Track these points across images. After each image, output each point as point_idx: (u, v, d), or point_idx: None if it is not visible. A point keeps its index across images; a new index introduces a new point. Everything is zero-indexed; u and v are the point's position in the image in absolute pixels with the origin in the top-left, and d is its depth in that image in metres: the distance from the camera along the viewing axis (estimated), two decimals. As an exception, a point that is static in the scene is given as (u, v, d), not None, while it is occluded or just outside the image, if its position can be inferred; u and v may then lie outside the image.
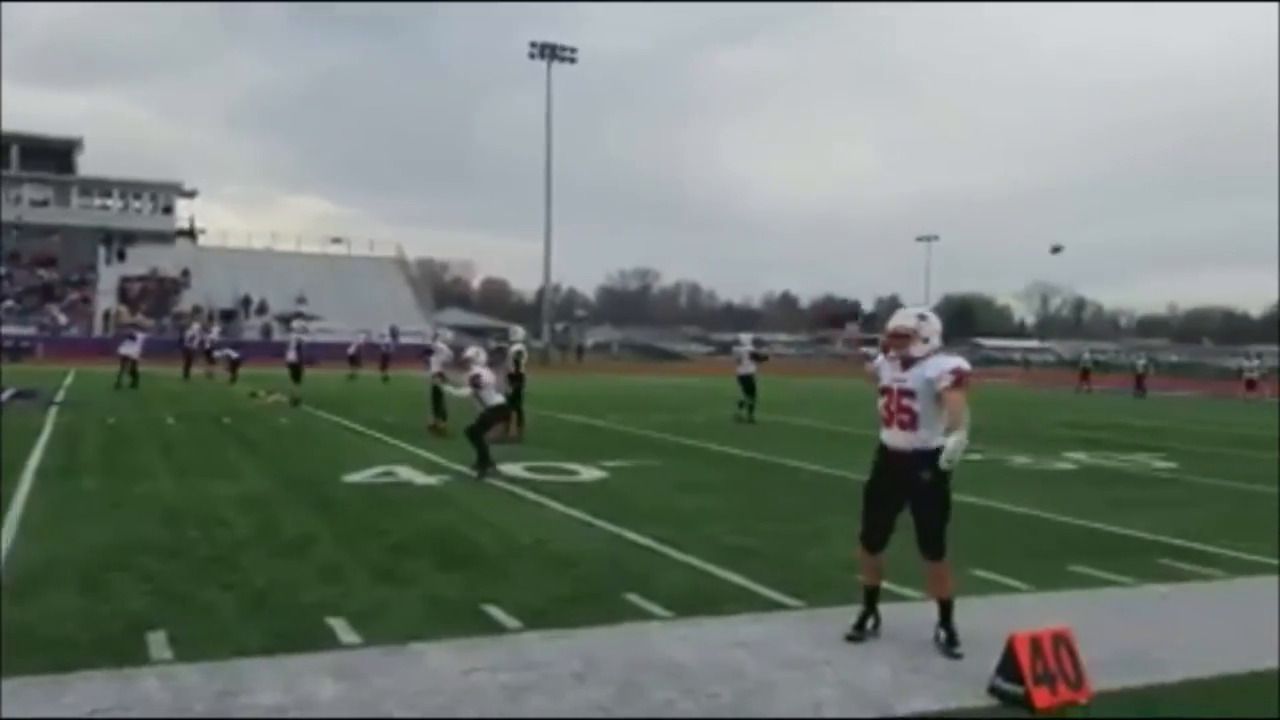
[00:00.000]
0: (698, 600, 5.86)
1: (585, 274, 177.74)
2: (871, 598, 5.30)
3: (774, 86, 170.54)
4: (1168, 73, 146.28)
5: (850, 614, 5.40)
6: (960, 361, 5.11)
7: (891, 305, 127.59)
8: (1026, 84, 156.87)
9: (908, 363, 5.15)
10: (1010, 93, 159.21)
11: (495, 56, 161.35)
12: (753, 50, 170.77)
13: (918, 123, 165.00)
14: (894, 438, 5.16)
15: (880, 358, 5.33)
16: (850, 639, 5.15)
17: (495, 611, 5.51)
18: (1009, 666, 4.28)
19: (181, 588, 5.91)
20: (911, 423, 5.08)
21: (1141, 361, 39.61)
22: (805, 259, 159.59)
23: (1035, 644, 4.27)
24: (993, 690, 4.33)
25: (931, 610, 5.26)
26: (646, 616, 5.52)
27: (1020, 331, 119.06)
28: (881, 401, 5.22)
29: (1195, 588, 6.61)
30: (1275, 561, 7.36)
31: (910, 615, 5.65)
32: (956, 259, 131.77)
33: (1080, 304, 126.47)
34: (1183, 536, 8.30)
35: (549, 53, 57.84)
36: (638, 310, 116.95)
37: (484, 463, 11.03)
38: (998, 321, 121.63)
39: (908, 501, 5.16)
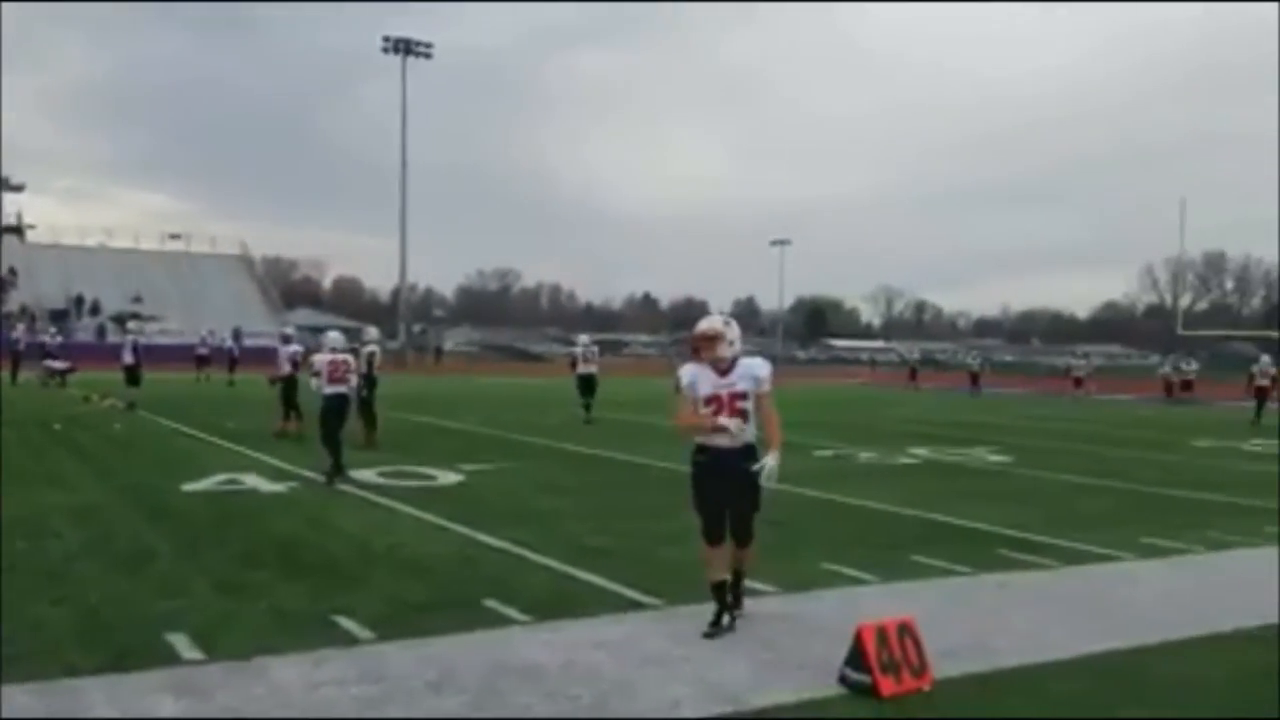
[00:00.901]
0: (557, 603, 5.83)
1: (444, 274, 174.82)
2: (721, 591, 5.46)
3: (633, 87, 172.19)
4: (996, 90, 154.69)
5: (708, 610, 5.53)
6: (768, 363, 5.61)
7: (748, 307, 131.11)
8: (874, 92, 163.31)
9: (723, 369, 5.46)
10: (860, 101, 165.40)
11: (347, 49, 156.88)
12: (611, 51, 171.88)
13: (773, 127, 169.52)
14: (724, 440, 5.41)
15: (691, 371, 5.52)
16: (708, 636, 5.25)
17: (346, 622, 5.35)
18: (857, 656, 4.43)
19: (9, 604, 5.50)
20: (745, 420, 5.44)
21: (976, 361, 41.75)
22: (665, 260, 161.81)
23: (881, 634, 4.44)
24: (842, 680, 4.47)
25: (786, 603, 5.57)
26: (505, 621, 5.46)
27: (867, 333, 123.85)
28: (709, 409, 5.43)
29: (1028, 576, 7.00)
30: (1101, 550, 7.88)
31: (766, 609, 5.79)
32: (808, 262, 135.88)
33: (921, 306, 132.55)
34: (1017, 527, 8.78)
35: (403, 47, 56.65)
36: (498, 311, 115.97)
37: (337, 468, 10.69)
38: (847, 323, 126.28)
39: (733, 493, 5.44)
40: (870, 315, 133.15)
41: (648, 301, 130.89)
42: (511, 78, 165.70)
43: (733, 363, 5.48)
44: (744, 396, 5.44)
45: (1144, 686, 4.72)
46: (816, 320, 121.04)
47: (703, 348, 5.51)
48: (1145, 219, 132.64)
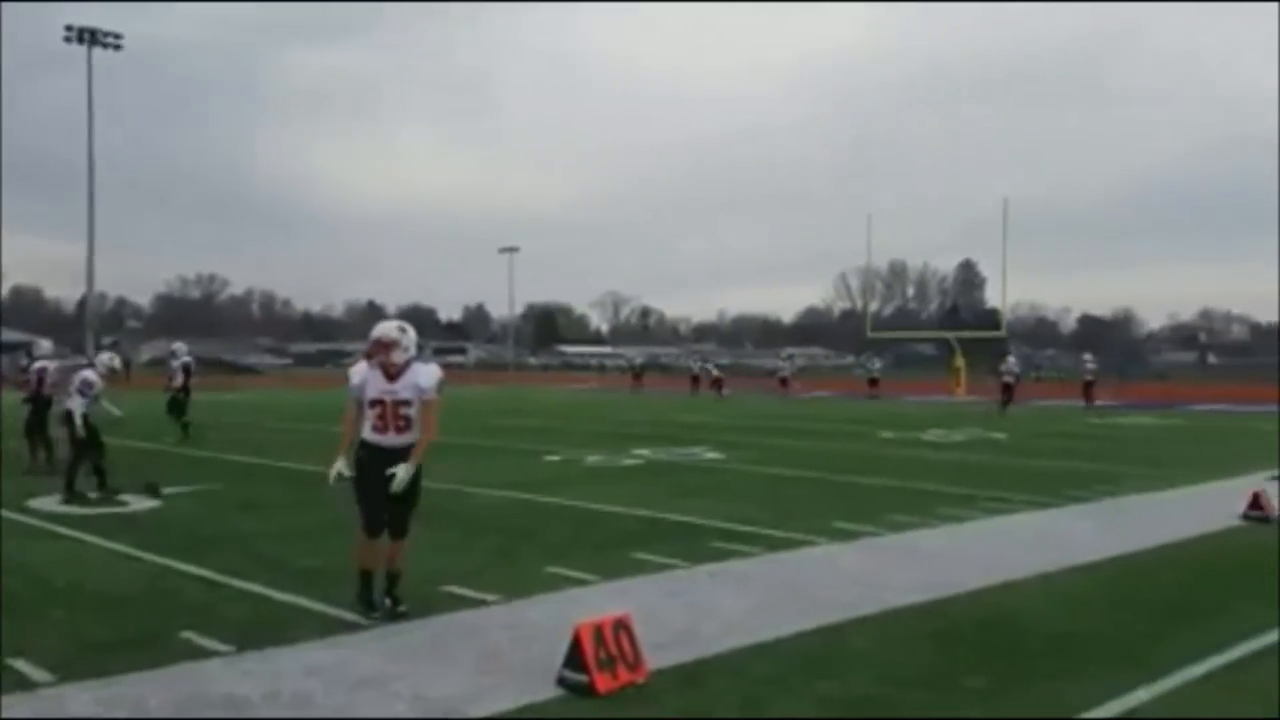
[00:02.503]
0: (263, 630, 5.49)
1: (139, 282, 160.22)
2: (369, 580, 5.79)
3: (357, 87, 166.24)
4: (714, 105, 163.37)
5: (429, 625, 5.49)
6: (439, 371, 5.85)
7: (479, 314, 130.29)
8: (598, 101, 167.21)
9: (393, 374, 5.70)
10: (584, 109, 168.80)
11: (23, 38, 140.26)
12: (334, 49, 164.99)
13: (501, 132, 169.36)
14: (389, 440, 5.72)
15: (361, 372, 5.79)
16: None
17: (22, 665, 4.80)
18: (575, 656, 4.49)
19: None
20: (407, 426, 5.73)
21: (696, 365, 43.81)
22: (391, 266, 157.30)
23: (598, 632, 4.53)
24: (561, 682, 4.52)
25: (509, 611, 5.63)
26: (204, 654, 5.08)
27: (597, 338, 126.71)
28: (375, 411, 5.71)
29: (737, 565, 7.41)
30: (801, 537, 8.48)
31: (488, 619, 5.77)
32: (538, 269, 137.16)
33: (646, 312, 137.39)
34: (728, 519, 9.28)
35: (88, 37, 51.51)
36: (202, 321, 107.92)
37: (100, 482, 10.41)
38: (577, 329, 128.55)
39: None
40: (599, 321, 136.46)
41: (372, 309, 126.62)
42: (219, 74, 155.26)
43: (403, 369, 5.70)
44: (408, 403, 5.68)
45: (835, 661, 5.11)
46: (547, 326, 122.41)
47: (376, 352, 5.71)
48: (840, 232, 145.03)
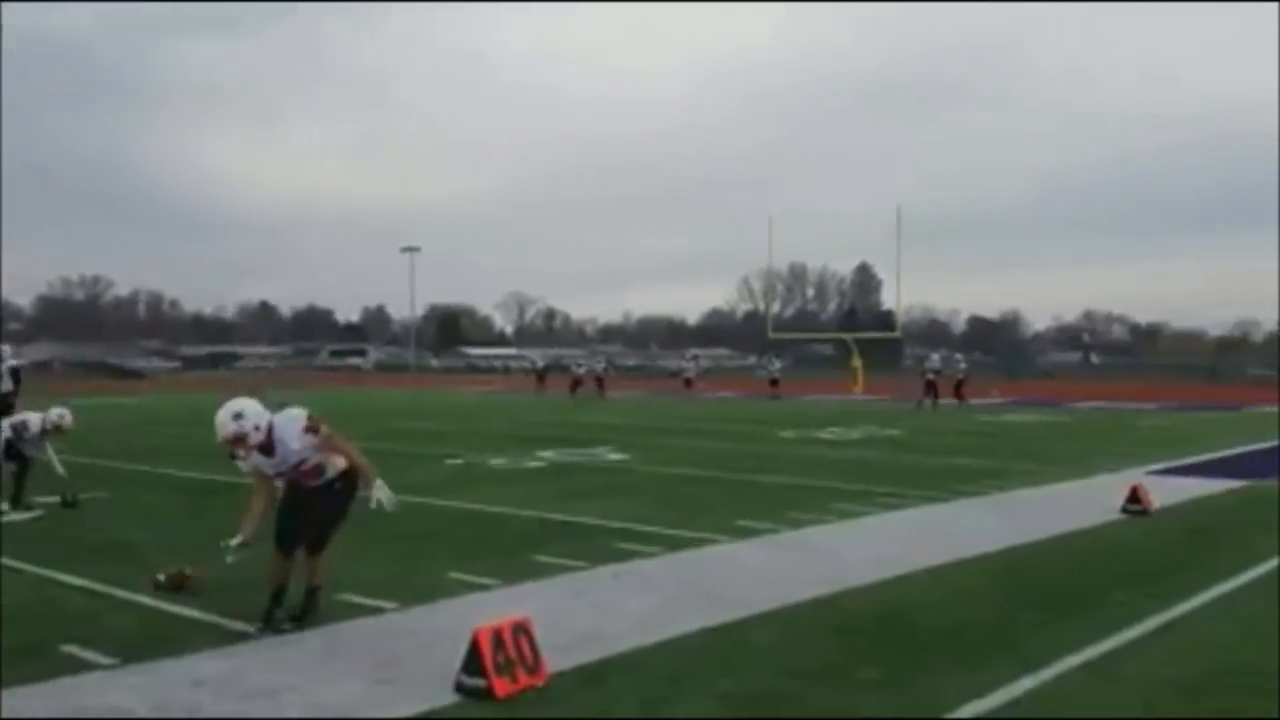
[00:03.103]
0: (150, 642, 5.29)
1: (19, 282, 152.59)
2: (279, 596, 5.63)
3: (250, 82, 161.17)
4: (617, 106, 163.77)
5: (324, 633, 5.38)
6: (297, 417, 5.50)
7: (379, 315, 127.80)
8: (501, 103, 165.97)
9: (267, 449, 5.52)
10: (488, 110, 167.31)
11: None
12: (224, 43, 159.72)
13: (402, 131, 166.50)
14: (312, 484, 5.67)
15: (252, 463, 5.62)
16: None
17: (-121, 690, 4.51)
18: (473, 661, 4.45)
19: None
20: (320, 472, 5.65)
21: (601, 365, 43.87)
22: (287, 267, 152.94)
23: (497, 636, 4.50)
24: (458, 687, 4.47)
25: (408, 617, 5.62)
26: (87, 667, 4.87)
27: (501, 340, 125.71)
28: (280, 481, 5.70)
29: (640, 565, 7.44)
30: (703, 535, 8.57)
31: (386, 625, 5.67)
32: (440, 270, 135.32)
33: (551, 314, 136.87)
34: (631, 520, 9.32)
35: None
36: (87, 323, 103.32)
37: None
38: (480, 331, 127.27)
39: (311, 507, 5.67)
40: (503, 323, 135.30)
41: (265, 310, 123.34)
42: (106, 67, 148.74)
43: (271, 441, 5.42)
44: (303, 460, 5.53)
45: (736, 657, 5.18)
46: (450, 328, 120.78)
47: (235, 450, 5.44)
48: (743, 233, 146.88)
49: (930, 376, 31.28)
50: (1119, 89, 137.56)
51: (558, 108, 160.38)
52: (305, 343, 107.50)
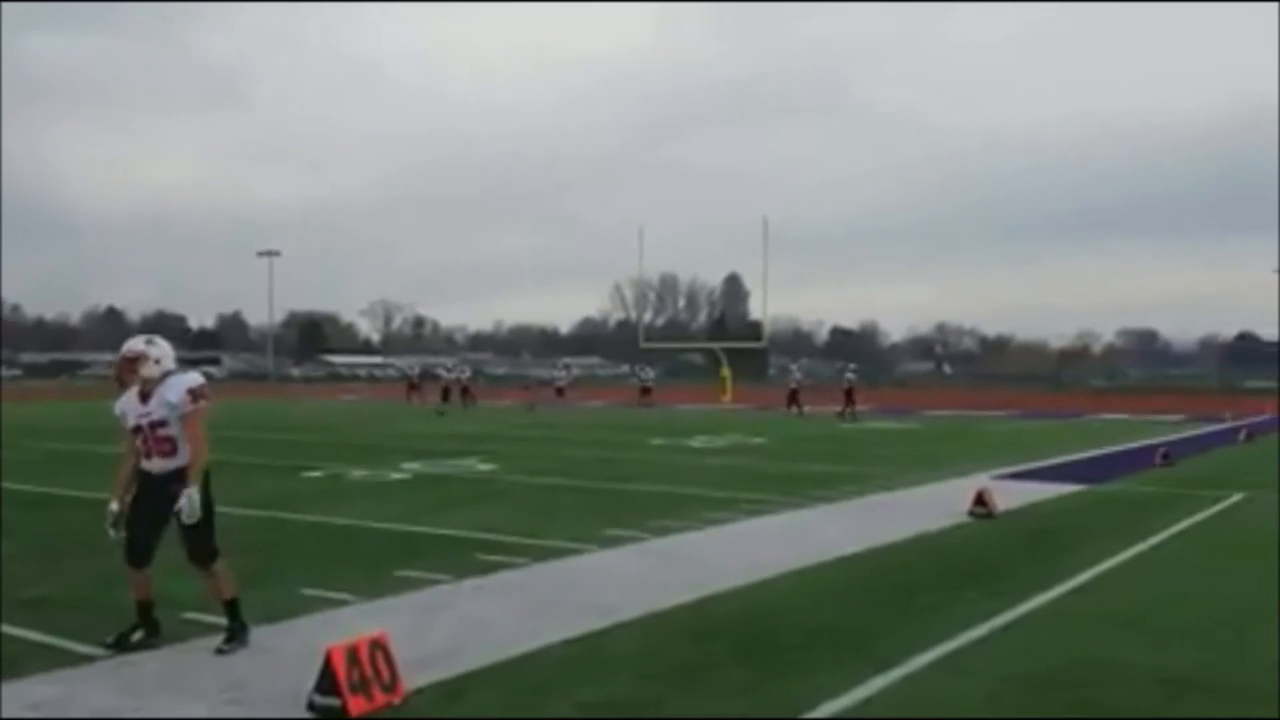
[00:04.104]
0: (-22, 668, 4.91)
1: None
2: (144, 610, 5.39)
3: (93, 79, 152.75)
4: (478, 108, 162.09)
5: (169, 654, 5.15)
6: (194, 379, 5.43)
7: (235, 321, 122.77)
8: (364, 102, 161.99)
9: (146, 395, 5.35)
10: (351, 110, 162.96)
11: None
12: (69, 39, 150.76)
13: (259, 131, 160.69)
14: (155, 465, 5.37)
15: (121, 402, 5.46)
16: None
17: None
18: (326, 680, 4.29)
19: None
20: (171, 450, 5.33)
21: (466, 374, 43.21)
22: (135, 271, 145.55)
23: (352, 653, 4.35)
24: (310, 706, 4.31)
25: (260, 636, 5.34)
26: (-104, 702, 4.48)
27: (367, 348, 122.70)
28: (138, 439, 5.36)
29: (504, 577, 7.34)
30: (570, 545, 8.52)
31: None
32: (301, 275, 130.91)
33: (420, 321, 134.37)
34: (497, 531, 9.20)
35: None
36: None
37: None
38: (344, 338, 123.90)
39: (173, 518, 5.33)
40: (369, 330, 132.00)
41: (112, 316, 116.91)
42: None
43: (156, 387, 5.32)
44: (164, 424, 5.30)
45: (599, 666, 5.16)
46: (312, 335, 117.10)
47: (124, 371, 5.35)
48: (614, 242, 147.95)
49: (794, 385, 32.34)
50: (977, 106, 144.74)
51: (423, 109, 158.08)
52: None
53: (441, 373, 39.38)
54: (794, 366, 39.54)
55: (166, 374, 5.36)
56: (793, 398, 32.04)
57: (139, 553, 5.37)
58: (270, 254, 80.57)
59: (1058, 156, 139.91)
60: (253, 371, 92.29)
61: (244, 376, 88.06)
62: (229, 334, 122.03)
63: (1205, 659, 5.39)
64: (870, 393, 50.24)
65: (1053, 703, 4.68)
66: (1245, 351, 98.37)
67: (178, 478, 5.29)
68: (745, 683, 4.90)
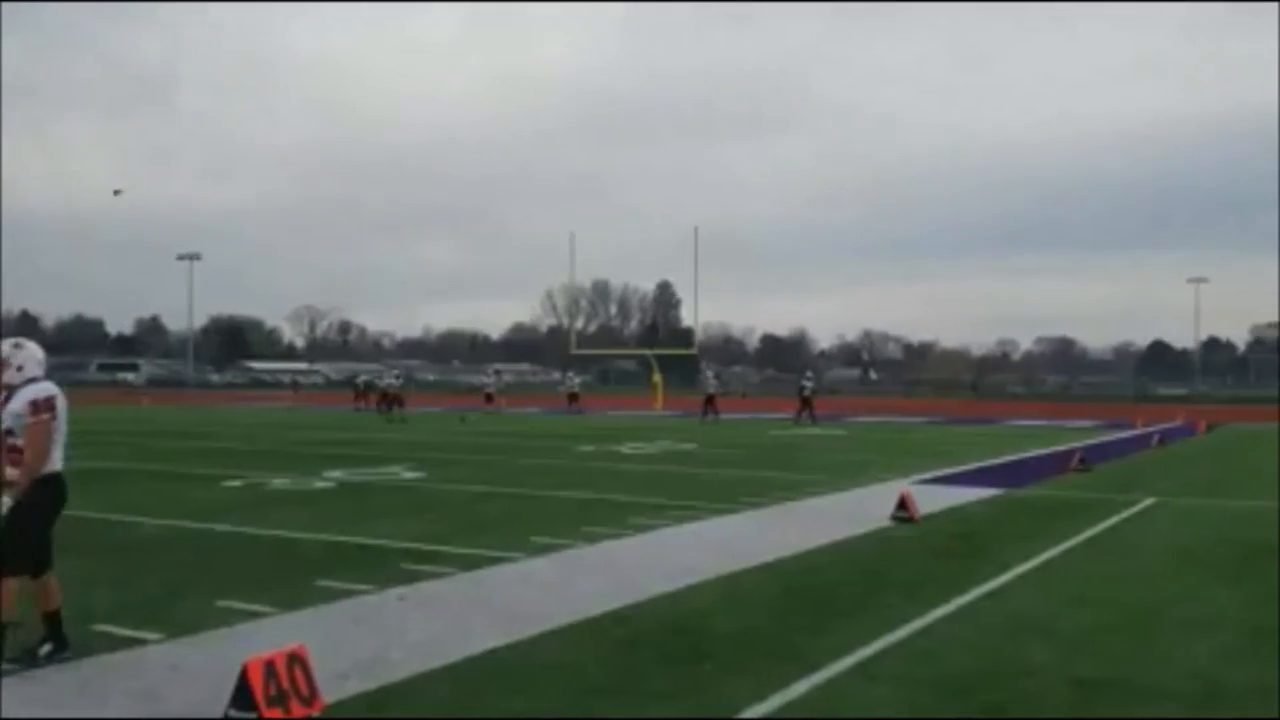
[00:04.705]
0: None
1: None
2: (50, 622, 5.23)
3: (16, 79, 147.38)
4: (411, 114, 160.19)
5: (80, 668, 5.02)
6: (41, 390, 5.26)
7: (154, 326, 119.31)
8: (291, 108, 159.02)
9: (7, 401, 5.27)
10: (276, 116, 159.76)
11: None
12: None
13: (178, 134, 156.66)
14: (8, 473, 5.26)
15: None
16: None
17: None
18: (242, 694, 4.20)
19: None
20: (18, 461, 5.21)
21: (398, 380, 42.63)
22: (49, 275, 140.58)
23: (269, 667, 4.26)
24: (226, 723, 4.20)
25: (173, 649, 5.27)
26: None
27: (290, 354, 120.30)
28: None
29: (429, 586, 7.24)
30: (497, 553, 8.45)
31: (149, 658, 5.28)
32: (222, 280, 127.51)
33: (346, 327, 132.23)
34: (422, 540, 9.09)
35: None
36: None
37: None
38: (267, 344, 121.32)
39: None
40: (293, 335, 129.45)
41: (26, 320, 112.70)
42: None
43: (14, 394, 5.23)
44: (11, 433, 5.20)
45: (525, 675, 5.13)
46: (234, 341, 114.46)
47: None
48: (547, 249, 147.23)
49: (710, 390, 33.15)
50: (906, 123, 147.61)
51: (352, 114, 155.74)
52: (70, 356, 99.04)
53: (391, 380, 38.57)
54: (709, 372, 39.91)
55: (29, 381, 5.26)
56: (709, 403, 32.57)
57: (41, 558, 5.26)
58: (191, 257, 78.67)
59: (983, 173, 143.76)
60: (172, 378, 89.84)
61: (163, 383, 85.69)
62: (147, 339, 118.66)
63: (1114, 661, 5.56)
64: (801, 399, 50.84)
65: (968, 705, 4.78)
66: (1157, 359, 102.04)
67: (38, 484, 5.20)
68: (671, 689, 4.91)
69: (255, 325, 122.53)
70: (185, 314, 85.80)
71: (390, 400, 36.01)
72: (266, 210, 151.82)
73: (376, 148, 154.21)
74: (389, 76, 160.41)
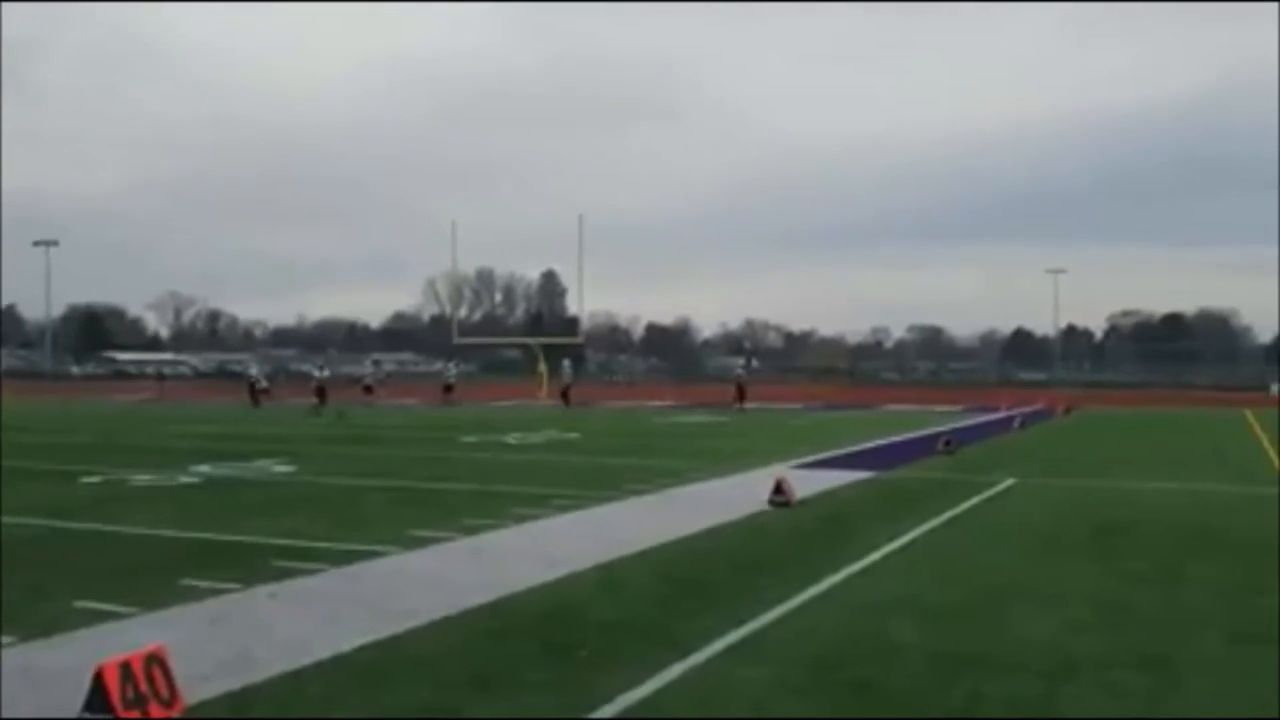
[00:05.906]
0: None
1: None
2: None
3: None
4: (292, 98, 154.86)
5: None
6: None
7: (9, 316, 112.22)
8: (159, 86, 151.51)
9: None
10: (146, 94, 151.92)
11: None
12: None
13: (35, 112, 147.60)
14: None
15: None
16: None
17: None
18: (97, 697, 4.01)
19: None
20: None
21: (265, 371, 41.22)
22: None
23: (126, 669, 4.09)
24: (77, 730, 4.02)
25: (25, 652, 5.01)
26: None
27: (155, 344, 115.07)
28: None
29: (301, 583, 7.06)
30: (372, 548, 8.30)
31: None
32: (81, 266, 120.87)
33: (215, 316, 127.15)
34: (293, 536, 8.85)
35: None
36: None
37: None
38: (130, 334, 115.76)
39: None
40: (157, 325, 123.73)
41: None
42: None
43: None
44: None
45: (396, 670, 5.05)
46: (94, 330, 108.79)
47: None
48: (428, 236, 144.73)
49: (568, 381, 34.42)
50: (785, 114, 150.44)
51: (222, 96, 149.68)
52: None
53: (314, 373, 36.67)
54: (566, 362, 40.14)
55: None
56: (565, 393, 33.50)
57: None
58: (48, 243, 74.31)
59: (860, 168, 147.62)
60: (28, 369, 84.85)
61: (19, 375, 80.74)
62: (2, 330, 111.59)
63: (974, 636, 5.82)
64: (683, 387, 51.63)
65: (836, 681, 4.95)
66: (1020, 347, 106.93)
67: None
68: (545, 681, 4.91)
69: (117, 314, 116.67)
70: (43, 302, 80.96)
71: (324, 391, 34.09)
72: (129, 195, 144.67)
73: (250, 130, 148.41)
74: (263, 56, 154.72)
